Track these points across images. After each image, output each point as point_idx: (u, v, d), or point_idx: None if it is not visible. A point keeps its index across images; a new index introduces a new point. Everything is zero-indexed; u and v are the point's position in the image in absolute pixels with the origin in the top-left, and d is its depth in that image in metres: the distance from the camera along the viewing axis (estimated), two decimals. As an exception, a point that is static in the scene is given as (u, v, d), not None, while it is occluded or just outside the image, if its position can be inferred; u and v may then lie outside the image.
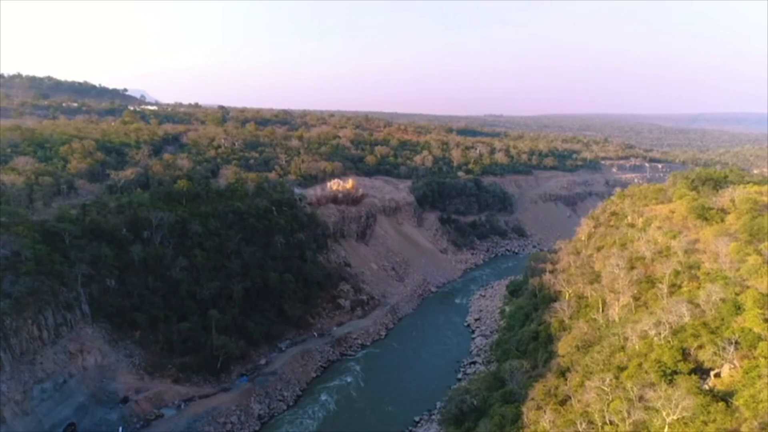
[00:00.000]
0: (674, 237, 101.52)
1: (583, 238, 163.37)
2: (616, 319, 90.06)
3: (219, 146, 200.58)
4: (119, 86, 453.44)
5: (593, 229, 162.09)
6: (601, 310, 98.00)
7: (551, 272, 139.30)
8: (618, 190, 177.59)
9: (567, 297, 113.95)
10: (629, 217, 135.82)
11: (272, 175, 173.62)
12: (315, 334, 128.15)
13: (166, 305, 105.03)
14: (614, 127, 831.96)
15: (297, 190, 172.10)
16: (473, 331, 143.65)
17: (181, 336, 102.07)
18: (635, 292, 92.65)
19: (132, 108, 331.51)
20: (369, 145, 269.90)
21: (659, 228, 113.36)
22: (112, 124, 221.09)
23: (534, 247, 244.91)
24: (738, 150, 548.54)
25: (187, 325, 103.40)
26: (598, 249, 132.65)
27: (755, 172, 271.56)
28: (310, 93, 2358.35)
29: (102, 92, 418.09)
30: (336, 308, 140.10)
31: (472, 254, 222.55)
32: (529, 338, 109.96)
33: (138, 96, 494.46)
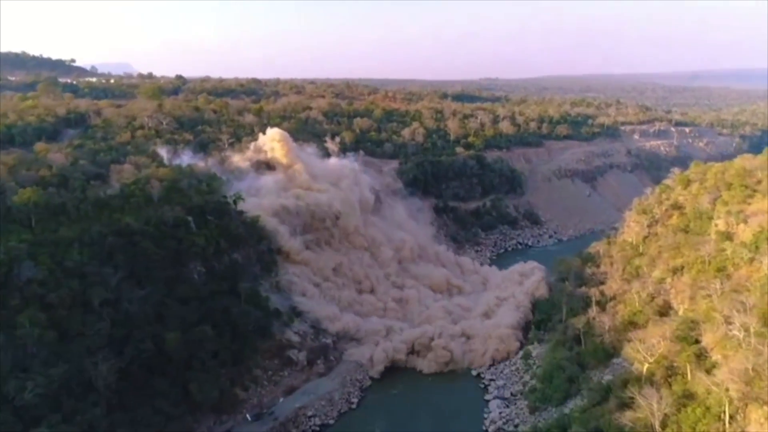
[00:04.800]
0: None
1: (632, 241, 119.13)
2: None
3: (141, 126, 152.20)
4: (100, 61, 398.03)
5: (647, 229, 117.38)
6: (726, 419, 54.05)
7: (598, 304, 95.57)
8: (676, 171, 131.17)
9: (643, 367, 69.43)
10: (721, 220, 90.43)
11: (202, 166, 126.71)
12: (248, 416, 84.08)
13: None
14: (615, 87, 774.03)
15: (238, 183, 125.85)
16: (485, 386, 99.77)
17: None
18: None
19: (68, 81, 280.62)
20: (347, 118, 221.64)
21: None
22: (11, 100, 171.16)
23: (550, 237, 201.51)
24: (754, 108, 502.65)
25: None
26: (674, 271, 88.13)
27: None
28: (300, 62, 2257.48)
29: (41, 63, 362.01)
30: (284, 365, 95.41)
31: (477, 252, 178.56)
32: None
33: (122, 71, 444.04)
